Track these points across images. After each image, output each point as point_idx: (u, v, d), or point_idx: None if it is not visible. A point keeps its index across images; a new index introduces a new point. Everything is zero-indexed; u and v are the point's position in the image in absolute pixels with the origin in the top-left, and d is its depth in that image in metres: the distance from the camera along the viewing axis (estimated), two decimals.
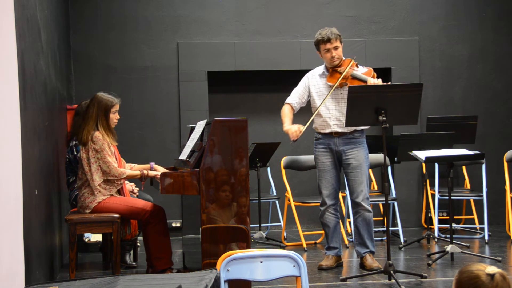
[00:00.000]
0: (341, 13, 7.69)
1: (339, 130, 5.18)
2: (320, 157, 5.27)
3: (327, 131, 5.22)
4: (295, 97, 5.35)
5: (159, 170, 4.83)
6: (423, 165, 6.80)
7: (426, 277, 4.76)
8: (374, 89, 4.77)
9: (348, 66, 5.14)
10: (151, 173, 4.80)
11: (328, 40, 5.17)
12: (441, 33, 7.79)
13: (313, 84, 5.32)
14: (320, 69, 5.36)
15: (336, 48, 5.19)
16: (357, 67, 5.23)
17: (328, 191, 5.24)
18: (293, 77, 7.84)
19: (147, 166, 4.92)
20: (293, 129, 5.09)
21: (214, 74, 7.53)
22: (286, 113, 5.30)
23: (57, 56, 5.75)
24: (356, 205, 5.17)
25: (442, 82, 7.79)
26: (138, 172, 4.82)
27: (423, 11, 7.78)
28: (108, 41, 7.42)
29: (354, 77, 5.11)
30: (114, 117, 4.90)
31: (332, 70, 5.23)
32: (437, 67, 7.82)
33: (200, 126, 4.83)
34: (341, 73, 5.14)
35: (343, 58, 5.26)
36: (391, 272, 4.62)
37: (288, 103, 5.34)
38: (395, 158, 6.37)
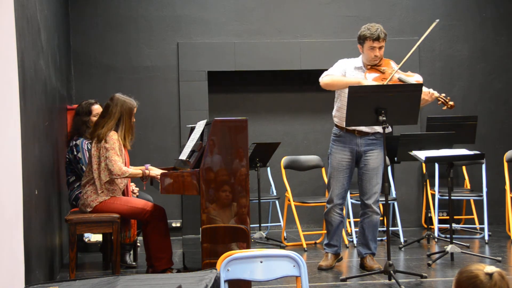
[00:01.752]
0: (341, 13, 7.69)
1: (364, 129, 5.07)
2: (336, 155, 5.16)
3: (351, 128, 5.06)
4: (337, 73, 5.10)
5: (155, 170, 4.84)
6: (423, 165, 6.80)
7: (426, 277, 4.76)
8: (374, 89, 4.76)
9: (392, 68, 5.02)
10: (153, 172, 4.80)
11: (377, 39, 4.99)
12: (441, 33, 7.79)
13: (349, 74, 5.11)
14: (357, 62, 5.16)
15: (381, 48, 5.03)
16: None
17: (338, 190, 5.18)
18: (293, 77, 7.87)
19: (143, 168, 4.90)
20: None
21: (214, 74, 7.53)
22: (339, 75, 5.05)
23: (57, 56, 5.75)
24: (366, 206, 5.13)
25: (442, 82, 7.79)
26: (140, 171, 4.81)
27: (423, 11, 7.78)
28: (108, 41, 7.42)
29: (401, 81, 4.98)
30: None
31: (371, 68, 5.10)
32: (437, 67, 7.82)
33: (200, 126, 4.83)
34: (383, 72, 5.02)
35: (383, 58, 5.14)
36: (391, 272, 4.62)
37: (331, 74, 5.09)
38: (395, 158, 6.36)
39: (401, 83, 4.96)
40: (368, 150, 5.11)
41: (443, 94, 5.12)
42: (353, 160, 5.16)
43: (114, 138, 4.76)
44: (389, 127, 4.89)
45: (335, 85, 5.08)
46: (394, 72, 5.00)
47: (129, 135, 4.88)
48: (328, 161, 5.29)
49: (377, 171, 5.10)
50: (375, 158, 5.10)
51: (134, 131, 4.95)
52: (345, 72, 5.13)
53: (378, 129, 5.08)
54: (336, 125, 5.22)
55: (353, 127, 5.05)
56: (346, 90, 4.94)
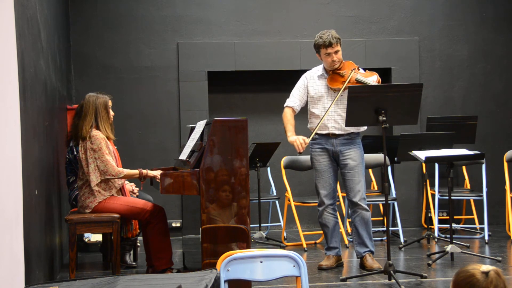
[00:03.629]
0: (341, 13, 7.69)
1: (337, 132, 5.18)
2: (316, 157, 5.27)
3: (324, 132, 5.22)
4: (296, 100, 5.32)
5: (152, 172, 4.83)
6: (423, 165, 6.80)
7: (426, 277, 4.76)
8: (374, 89, 4.77)
9: (351, 70, 5.13)
10: (150, 173, 4.78)
11: (330, 45, 5.13)
12: (441, 33, 7.79)
13: (312, 85, 5.29)
14: (319, 70, 5.33)
15: (336, 52, 5.16)
16: (359, 70, 5.22)
17: (326, 191, 5.24)
18: (293, 77, 7.83)
19: (140, 169, 4.87)
20: (298, 142, 5.06)
21: (214, 74, 7.53)
22: (289, 119, 5.26)
23: (57, 56, 5.75)
24: (353, 204, 5.18)
25: (442, 82, 7.79)
26: (136, 172, 4.79)
27: (423, 11, 7.78)
28: (108, 41, 7.42)
29: (359, 82, 5.08)
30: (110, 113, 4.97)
31: (333, 73, 5.22)
32: (437, 67, 7.82)
33: (200, 126, 4.83)
34: (343, 76, 5.13)
35: (343, 61, 5.25)
36: (391, 272, 4.62)
37: (290, 106, 5.31)
38: (395, 158, 6.37)
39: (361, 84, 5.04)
40: (345, 150, 5.19)
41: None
42: (332, 160, 5.25)
43: (99, 137, 4.75)
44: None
45: (283, 123, 5.34)
46: (351, 73, 5.11)
47: (109, 125, 4.90)
48: (312, 166, 5.36)
49: (358, 169, 5.17)
50: (353, 156, 5.18)
51: (111, 122, 4.97)
52: (306, 88, 5.30)
53: (351, 129, 5.16)
54: (312, 131, 5.30)
55: (327, 130, 5.19)
56: (315, 101, 5.23)
